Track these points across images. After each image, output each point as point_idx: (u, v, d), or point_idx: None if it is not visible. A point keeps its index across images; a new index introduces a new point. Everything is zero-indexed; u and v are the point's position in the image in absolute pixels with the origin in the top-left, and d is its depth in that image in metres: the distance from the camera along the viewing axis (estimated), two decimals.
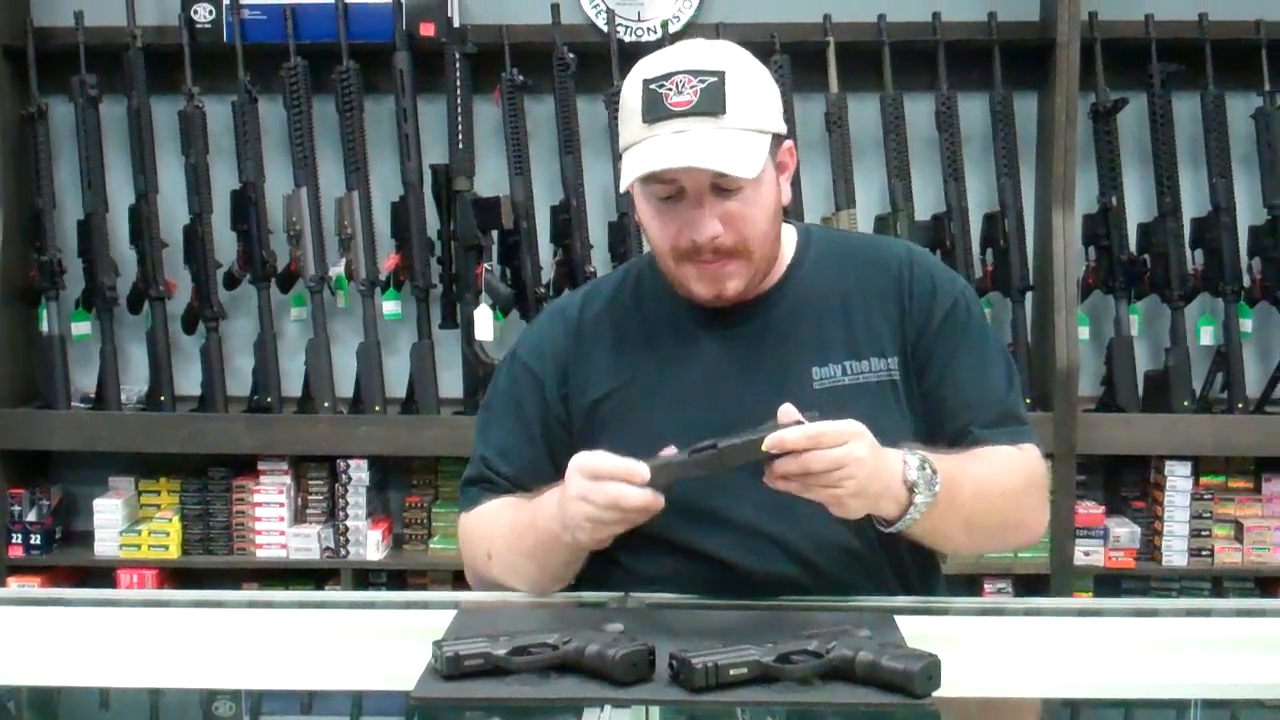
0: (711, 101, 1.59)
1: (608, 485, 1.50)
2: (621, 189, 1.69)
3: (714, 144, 1.58)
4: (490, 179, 3.48)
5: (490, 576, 1.75)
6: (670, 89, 1.60)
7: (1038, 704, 1.47)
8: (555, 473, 1.66)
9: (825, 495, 1.49)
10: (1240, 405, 3.42)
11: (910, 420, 1.69)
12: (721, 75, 1.60)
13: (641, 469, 1.49)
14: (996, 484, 1.65)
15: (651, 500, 1.50)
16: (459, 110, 3.40)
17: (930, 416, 1.70)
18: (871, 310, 1.72)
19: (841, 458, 1.46)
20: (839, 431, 1.47)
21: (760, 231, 1.66)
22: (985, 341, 1.75)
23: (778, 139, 1.66)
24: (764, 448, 1.46)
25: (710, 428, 1.52)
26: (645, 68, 1.63)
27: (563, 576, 1.71)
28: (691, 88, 1.59)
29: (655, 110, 1.60)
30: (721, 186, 1.61)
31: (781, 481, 1.48)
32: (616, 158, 3.41)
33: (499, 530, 1.72)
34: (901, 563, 1.72)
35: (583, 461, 1.54)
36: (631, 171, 1.61)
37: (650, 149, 1.60)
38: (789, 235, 1.77)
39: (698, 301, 1.70)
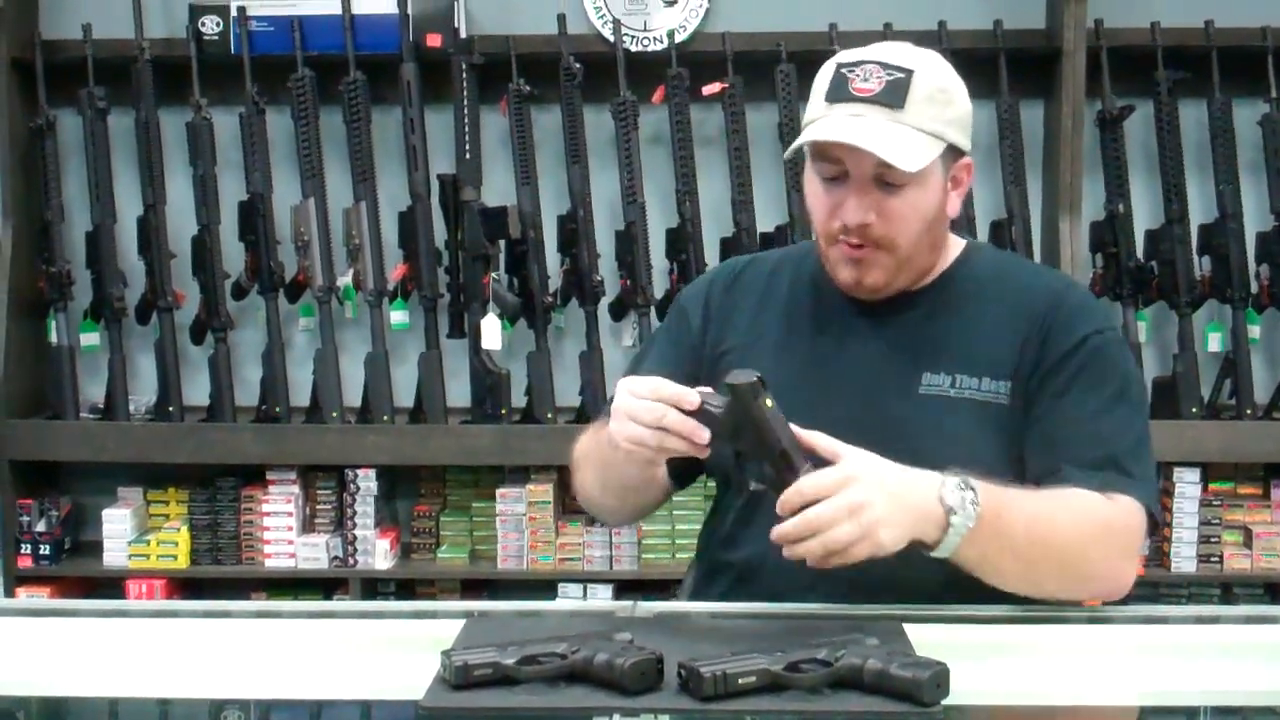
0: (893, 95, 1.61)
1: (655, 405, 1.50)
2: (785, 156, 1.71)
3: (883, 133, 1.60)
4: (497, 189, 3.48)
5: (577, 487, 1.83)
6: (858, 75, 1.64)
7: (1047, 712, 1.47)
8: None
9: (844, 545, 1.44)
10: (1249, 411, 3.42)
11: (1013, 449, 1.66)
12: (909, 74, 1.63)
13: (691, 396, 1.49)
14: (1058, 523, 1.58)
15: (694, 430, 1.49)
16: (466, 121, 3.40)
17: (1028, 448, 1.66)
18: (1002, 331, 1.70)
19: (836, 511, 1.43)
20: (823, 484, 1.44)
21: (913, 234, 1.66)
22: (1109, 386, 1.67)
23: (955, 152, 1.67)
24: (780, 509, 1.44)
25: (804, 409, 1.51)
26: (844, 54, 1.68)
27: (625, 497, 1.75)
28: (878, 78, 1.63)
29: (839, 92, 1.64)
30: (886, 180, 1.63)
31: (800, 548, 1.45)
32: (623, 167, 3.47)
33: (592, 441, 1.77)
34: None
35: (633, 383, 1.54)
36: (800, 139, 1.65)
37: (823, 125, 1.64)
38: (954, 247, 1.78)
39: (840, 287, 1.71)
